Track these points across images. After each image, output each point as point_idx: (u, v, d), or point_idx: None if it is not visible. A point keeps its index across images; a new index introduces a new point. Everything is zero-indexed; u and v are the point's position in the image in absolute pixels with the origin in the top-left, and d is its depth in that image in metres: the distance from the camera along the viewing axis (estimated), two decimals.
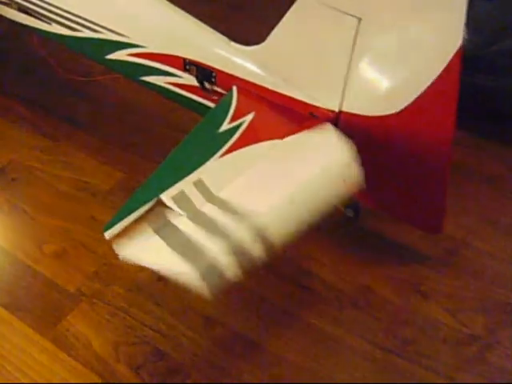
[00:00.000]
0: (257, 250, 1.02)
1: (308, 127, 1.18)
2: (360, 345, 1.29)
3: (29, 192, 1.64)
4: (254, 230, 1.03)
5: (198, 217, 1.06)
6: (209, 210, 1.07)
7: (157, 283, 1.39)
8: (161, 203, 1.08)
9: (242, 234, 1.03)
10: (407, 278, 1.40)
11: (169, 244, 1.03)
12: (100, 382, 1.25)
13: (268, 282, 1.40)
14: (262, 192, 1.11)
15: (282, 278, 1.41)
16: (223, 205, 1.07)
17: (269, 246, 1.03)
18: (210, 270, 1.00)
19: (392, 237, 1.48)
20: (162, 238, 1.04)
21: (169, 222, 1.06)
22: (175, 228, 1.05)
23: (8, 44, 2.12)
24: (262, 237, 1.03)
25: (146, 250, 1.04)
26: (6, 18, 1.65)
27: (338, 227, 1.49)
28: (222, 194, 1.09)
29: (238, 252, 1.02)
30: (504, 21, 1.61)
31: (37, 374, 1.27)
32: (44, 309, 1.38)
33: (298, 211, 1.08)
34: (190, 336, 1.31)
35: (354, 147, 1.10)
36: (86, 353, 1.29)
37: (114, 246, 1.04)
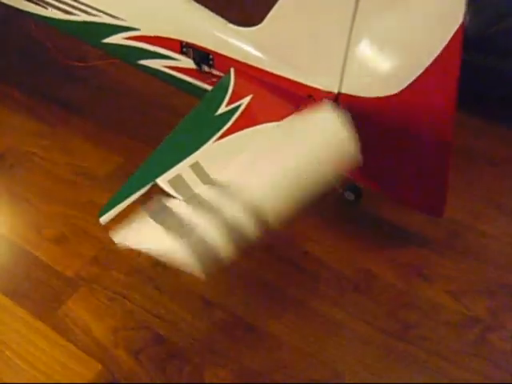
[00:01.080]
0: (251, 226, 1.01)
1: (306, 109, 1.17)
2: (361, 328, 1.29)
3: (27, 178, 1.64)
4: (247, 205, 1.03)
5: (194, 199, 1.05)
6: (205, 191, 1.06)
7: (156, 268, 1.39)
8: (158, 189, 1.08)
9: (236, 211, 1.02)
10: (409, 261, 1.40)
11: (164, 227, 1.02)
12: (100, 366, 1.24)
13: (268, 265, 1.40)
14: (257, 170, 1.10)
15: (282, 261, 1.41)
16: (219, 186, 1.06)
17: (263, 221, 1.02)
18: (203, 248, 0.99)
19: (394, 220, 1.47)
20: (159, 222, 1.03)
21: (165, 206, 1.06)
22: (172, 212, 1.05)
23: (5, 30, 2.11)
24: (256, 212, 1.02)
25: (142, 234, 1.04)
26: (2, 3, 1.64)
27: (338, 210, 1.48)
28: (219, 177, 1.08)
29: (232, 229, 1.01)
30: (505, 1, 1.59)
31: (37, 359, 1.27)
32: (43, 294, 1.38)
33: (292, 186, 1.07)
34: (189, 320, 1.31)
35: (351, 122, 1.08)
36: (86, 338, 1.29)
37: (111, 233, 1.03)
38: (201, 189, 1.07)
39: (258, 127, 1.16)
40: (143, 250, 1.06)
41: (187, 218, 1.03)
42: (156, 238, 1.03)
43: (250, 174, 1.10)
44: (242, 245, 1.00)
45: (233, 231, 1.01)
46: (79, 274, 1.40)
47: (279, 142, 1.14)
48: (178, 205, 1.05)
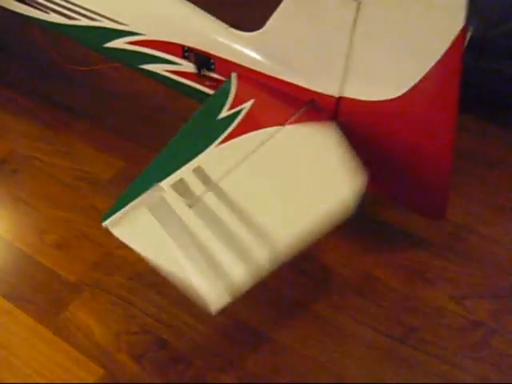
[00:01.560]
0: (264, 261, 1.01)
1: (309, 116, 1.18)
2: (364, 332, 1.29)
3: (29, 183, 1.65)
4: (260, 232, 1.03)
5: (198, 207, 1.05)
6: (210, 201, 1.06)
7: (158, 272, 1.38)
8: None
9: (251, 245, 1.02)
10: (412, 265, 1.40)
11: (168, 235, 1.02)
12: (102, 371, 1.25)
13: None
14: (266, 192, 1.10)
15: (284, 265, 1.40)
16: (225, 199, 1.06)
17: (276, 257, 1.02)
18: (220, 285, 0.99)
19: (396, 223, 1.47)
20: (160, 221, 1.04)
21: (169, 206, 1.06)
22: (174, 214, 1.05)
23: (8, 35, 2.11)
24: (269, 241, 1.02)
25: (142, 234, 1.04)
26: (4, 9, 1.64)
27: None
28: (223, 185, 1.08)
29: (247, 262, 1.00)
30: (507, 3, 1.59)
31: (39, 363, 1.27)
32: (46, 299, 1.38)
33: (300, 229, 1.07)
34: (191, 324, 1.31)
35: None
36: (88, 342, 1.30)
37: (108, 224, 1.04)
38: (205, 196, 1.07)
39: (260, 131, 1.16)
40: (142, 255, 1.06)
41: (196, 235, 1.03)
42: (155, 244, 1.03)
43: (255, 190, 1.10)
44: (256, 278, 0.99)
45: (247, 263, 1.01)
46: (81, 279, 1.41)
47: (283, 160, 1.14)
48: (181, 210, 1.05)
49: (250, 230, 1.03)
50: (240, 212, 1.05)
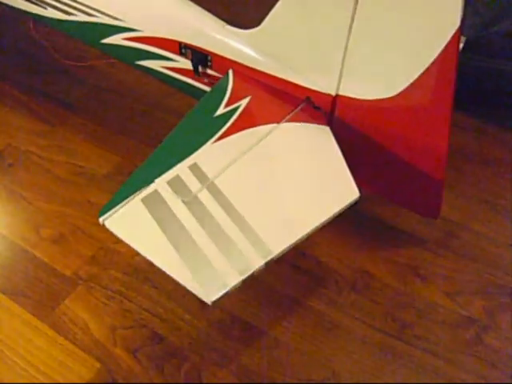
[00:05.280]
0: (257, 261, 1.01)
1: (305, 114, 1.19)
2: (359, 328, 1.30)
3: (26, 177, 1.65)
4: (252, 233, 1.03)
5: (193, 205, 1.06)
6: (205, 200, 1.07)
7: (154, 267, 1.38)
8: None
9: (245, 246, 1.03)
10: (406, 262, 1.41)
11: (163, 231, 1.03)
12: (98, 365, 1.25)
13: None
14: (259, 191, 1.11)
15: (280, 262, 1.39)
16: (220, 197, 1.07)
17: (267, 253, 1.02)
18: (211, 280, 1.00)
19: (390, 220, 1.48)
20: (155, 218, 1.04)
21: (164, 202, 1.06)
22: (169, 210, 1.05)
23: (4, 29, 2.11)
24: (260, 242, 1.03)
25: (136, 228, 1.05)
26: (2, 3, 1.64)
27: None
28: (218, 182, 1.09)
29: (239, 262, 1.01)
30: (502, 2, 1.60)
31: (35, 358, 1.28)
32: (42, 293, 1.38)
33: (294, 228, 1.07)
34: (187, 319, 1.32)
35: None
36: (84, 337, 1.30)
37: (104, 220, 1.04)
38: (200, 194, 1.07)
39: (257, 129, 1.17)
40: (135, 249, 1.06)
41: (190, 233, 1.03)
42: (151, 239, 1.04)
43: (249, 189, 1.10)
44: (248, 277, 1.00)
45: (238, 262, 1.01)
46: (77, 273, 1.41)
47: (277, 160, 1.15)
48: (176, 207, 1.06)
49: (243, 228, 1.04)
50: (234, 210, 1.06)
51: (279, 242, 1.03)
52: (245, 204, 1.07)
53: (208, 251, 1.02)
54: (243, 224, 1.04)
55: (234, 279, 0.99)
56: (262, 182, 1.12)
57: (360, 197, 1.43)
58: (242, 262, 1.01)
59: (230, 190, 1.08)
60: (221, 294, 0.98)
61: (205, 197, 1.07)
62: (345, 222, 1.48)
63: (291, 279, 1.39)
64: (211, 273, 1.00)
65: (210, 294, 0.98)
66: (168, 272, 1.01)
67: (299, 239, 1.04)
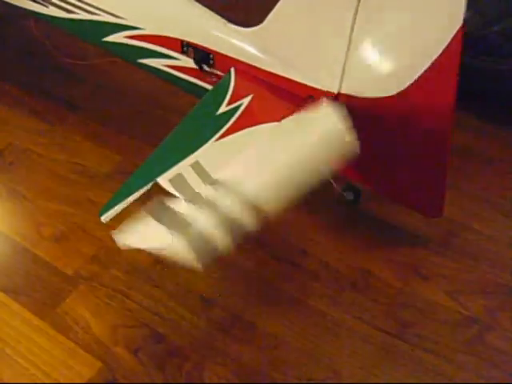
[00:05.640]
0: (247, 216, 1.02)
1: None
2: (359, 327, 1.30)
3: (26, 176, 1.64)
4: (243, 198, 1.04)
5: (195, 199, 1.06)
6: (206, 191, 1.07)
7: (155, 266, 1.39)
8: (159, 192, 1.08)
9: (232, 203, 1.04)
10: (407, 261, 1.40)
11: (165, 225, 1.03)
12: (99, 364, 1.25)
13: (267, 264, 1.40)
14: (254, 166, 1.11)
15: (281, 260, 1.41)
16: (219, 185, 1.07)
17: (260, 212, 1.03)
18: (200, 239, 1.01)
19: (392, 219, 1.47)
20: (160, 221, 1.04)
21: (166, 206, 1.06)
22: (173, 211, 1.05)
23: (5, 27, 2.11)
24: (252, 204, 1.03)
25: (142, 234, 1.04)
26: (3, 1, 1.64)
27: (336, 210, 1.49)
28: (219, 176, 1.09)
29: (228, 219, 1.02)
30: (505, 1, 1.60)
31: (36, 357, 1.28)
32: (43, 292, 1.38)
33: (289, 180, 1.08)
34: (188, 318, 1.32)
35: (349, 118, 1.09)
36: (85, 336, 1.30)
37: (113, 234, 1.04)
38: (201, 188, 1.07)
39: (258, 127, 1.17)
40: (143, 248, 1.07)
41: (187, 215, 1.03)
42: (156, 236, 1.04)
43: (247, 170, 1.10)
44: (239, 235, 1.01)
45: (229, 221, 1.02)
46: (79, 272, 1.41)
47: (277, 138, 1.15)
48: (178, 204, 1.06)
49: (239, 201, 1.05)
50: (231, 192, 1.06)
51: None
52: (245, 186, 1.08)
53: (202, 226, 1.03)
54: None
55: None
56: (264, 171, 1.12)
57: (362, 195, 1.45)
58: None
59: (231, 181, 1.08)
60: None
61: (206, 192, 1.07)
62: (346, 220, 1.49)
63: (292, 278, 1.38)
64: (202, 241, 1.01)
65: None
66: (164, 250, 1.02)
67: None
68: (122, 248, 1.02)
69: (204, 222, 1.03)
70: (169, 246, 1.01)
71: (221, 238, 1.02)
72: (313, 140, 1.12)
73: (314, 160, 1.11)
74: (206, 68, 1.33)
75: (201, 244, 1.01)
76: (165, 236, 1.01)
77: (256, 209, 1.04)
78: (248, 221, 1.03)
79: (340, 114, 1.09)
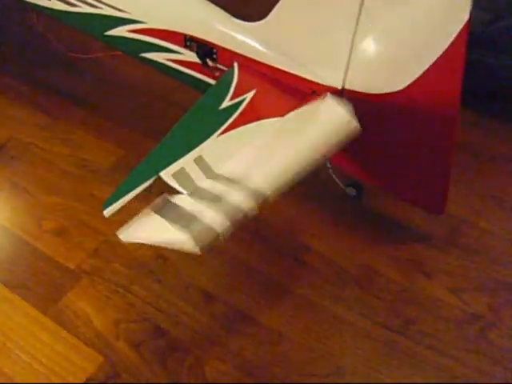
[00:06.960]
0: (246, 204, 1.02)
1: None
2: (362, 323, 1.29)
3: (28, 169, 1.64)
4: (245, 192, 1.05)
5: (198, 193, 1.06)
6: (208, 186, 1.06)
7: (157, 260, 1.39)
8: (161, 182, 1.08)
9: (234, 198, 1.04)
10: (410, 257, 1.40)
11: (167, 219, 1.02)
12: (101, 358, 1.25)
13: (270, 259, 1.40)
14: (257, 162, 1.11)
15: (284, 256, 1.41)
16: (222, 178, 1.07)
17: (260, 198, 1.04)
18: (198, 227, 1.01)
19: (395, 216, 1.47)
20: (163, 216, 1.04)
21: (170, 202, 1.06)
22: (176, 206, 1.05)
23: (7, 21, 2.10)
24: (253, 198, 1.03)
25: (146, 230, 1.04)
26: None
27: (339, 206, 1.48)
28: (222, 171, 1.08)
29: (230, 214, 1.02)
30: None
31: (38, 351, 1.27)
32: (44, 286, 1.38)
33: (292, 172, 1.08)
34: (190, 313, 1.31)
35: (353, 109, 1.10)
36: (87, 330, 1.30)
37: (117, 233, 1.05)
38: (204, 183, 1.07)
39: (261, 122, 1.16)
40: (146, 243, 1.06)
41: (189, 208, 1.03)
42: (159, 230, 1.03)
43: (250, 165, 1.10)
44: (238, 222, 1.01)
45: (232, 215, 1.02)
46: (80, 267, 1.41)
47: (280, 133, 1.14)
48: (182, 199, 1.05)
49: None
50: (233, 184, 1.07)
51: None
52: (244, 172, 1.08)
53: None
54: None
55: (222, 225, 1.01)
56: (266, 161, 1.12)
57: (364, 192, 1.45)
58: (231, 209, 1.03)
59: (234, 174, 1.08)
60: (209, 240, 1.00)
61: (208, 185, 1.07)
62: (349, 217, 1.49)
63: (295, 274, 1.38)
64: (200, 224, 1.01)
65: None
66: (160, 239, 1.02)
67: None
68: (125, 243, 1.02)
69: (207, 215, 1.03)
70: (172, 241, 1.01)
71: (223, 231, 1.02)
72: (316, 135, 1.11)
73: (317, 154, 1.11)
74: (209, 62, 1.33)
75: (204, 237, 1.01)
76: (168, 229, 1.01)
77: (259, 203, 1.04)
78: (250, 214, 1.03)
79: (344, 109, 1.09)
